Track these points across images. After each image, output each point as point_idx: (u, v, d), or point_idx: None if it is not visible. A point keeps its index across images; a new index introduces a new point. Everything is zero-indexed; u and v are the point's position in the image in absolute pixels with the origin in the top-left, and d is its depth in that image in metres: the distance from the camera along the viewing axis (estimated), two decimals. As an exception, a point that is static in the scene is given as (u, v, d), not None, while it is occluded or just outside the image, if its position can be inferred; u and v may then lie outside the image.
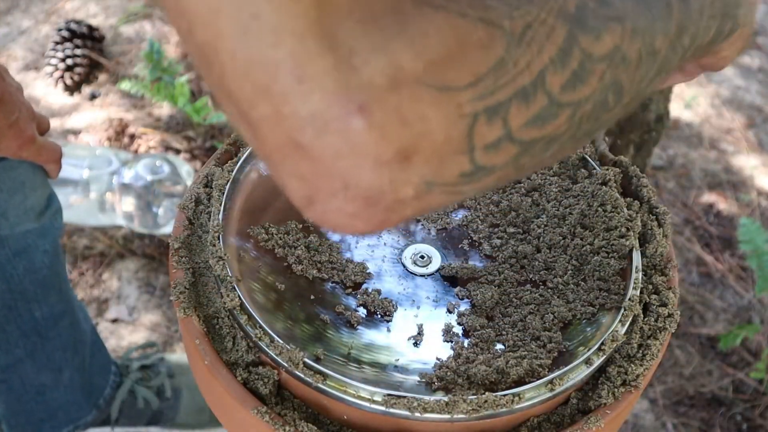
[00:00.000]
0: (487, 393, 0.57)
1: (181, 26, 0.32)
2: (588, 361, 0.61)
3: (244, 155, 0.72)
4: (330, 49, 0.31)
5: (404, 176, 0.33)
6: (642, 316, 0.65)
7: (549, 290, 0.67)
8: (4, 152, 0.89)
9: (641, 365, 0.62)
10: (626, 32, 0.38)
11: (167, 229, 1.57)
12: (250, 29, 0.31)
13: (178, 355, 1.35)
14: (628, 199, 0.73)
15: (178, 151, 1.73)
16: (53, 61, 1.83)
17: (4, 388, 1.10)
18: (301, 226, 0.69)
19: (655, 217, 0.71)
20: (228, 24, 0.31)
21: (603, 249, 0.68)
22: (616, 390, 0.61)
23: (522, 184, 0.74)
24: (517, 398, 0.57)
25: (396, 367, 0.61)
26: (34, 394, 1.13)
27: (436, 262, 0.69)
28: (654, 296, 0.67)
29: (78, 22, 1.90)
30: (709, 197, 1.79)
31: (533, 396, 0.58)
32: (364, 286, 0.66)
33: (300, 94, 0.31)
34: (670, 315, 0.65)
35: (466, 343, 0.63)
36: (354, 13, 0.31)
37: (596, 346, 0.61)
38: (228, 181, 0.69)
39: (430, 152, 0.33)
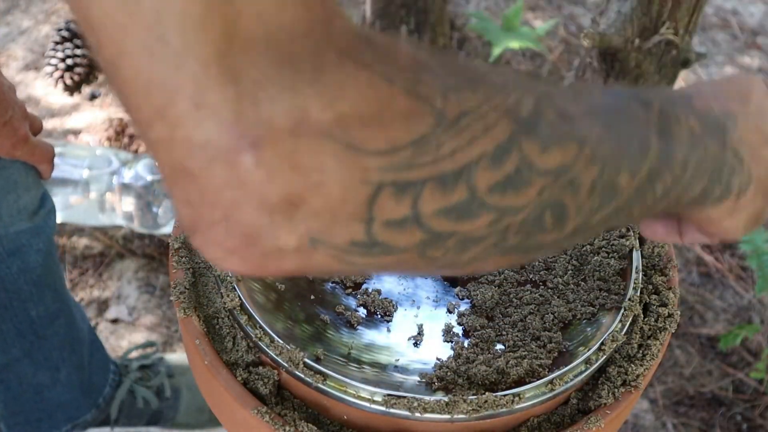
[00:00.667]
0: (487, 393, 0.57)
1: (90, 40, 0.32)
2: (588, 361, 0.61)
3: (244, 155, 0.72)
4: (234, 80, 0.30)
5: (288, 224, 0.32)
6: (642, 316, 0.65)
7: (549, 290, 0.67)
8: None
9: (641, 365, 0.62)
10: (583, 156, 0.36)
11: (167, 229, 1.57)
12: (154, 51, 0.30)
13: (177, 355, 1.35)
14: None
15: (178, 151, 1.73)
16: (53, 61, 1.83)
17: (2, 388, 1.10)
18: (301, 226, 0.69)
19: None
20: (133, 43, 0.30)
21: (603, 249, 0.68)
22: (616, 390, 0.61)
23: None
24: (517, 398, 0.57)
25: (396, 367, 0.61)
26: (32, 393, 1.13)
27: (436, 262, 0.69)
28: (654, 296, 0.67)
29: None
30: (709, 197, 1.79)
31: (533, 396, 0.58)
32: (364, 286, 0.66)
33: (195, 120, 0.30)
34: (670, 315, 0.65)
35: (466, 343, 0.63)
36: (269, 51, 0.30)
37: (596, 346, 0.61)
38: (228, 181, 0.69)
39: (320, 207, 0.32)
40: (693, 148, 0.43)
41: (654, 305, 0.66)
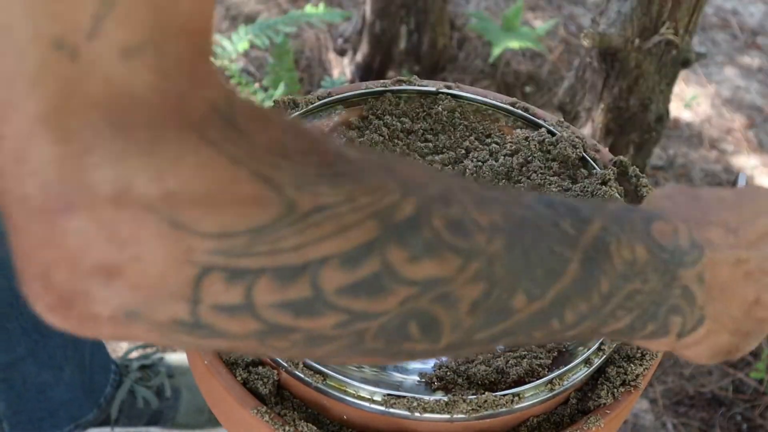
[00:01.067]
0: (486, 393, 0.57)
1: None
2: (588, 361, 0.61)
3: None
4: (61, 140, 0.29)
5: (102, 293, 0.31)
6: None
7: (549, 290, 0.66)
8: None
9: (641, 365, 0.62)
10: (465, 271, 0.34)
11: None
12: None
13: (177, 355, 1.35)
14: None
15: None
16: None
17: (6, 387, 1.10)
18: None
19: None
20: None
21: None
22: (615, 390, 0.61)
23: (522, 185, 0.74)
24: (516, 398, 0.57)
25: (396, 366, 0.61)
26: (35, 392, 1.13)
27: (436, 262, 0.69)
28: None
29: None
30: (709, 197, 1.79)
31: (533, 396, 0.58)
32: (364, 286, 0.66)
33: (16, 174, 0.29)
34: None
35: (465, 343, 0.63)
36: (107, 116, 0.29)
37: (596, 346, 0.61)
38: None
39: (138, 282, 0.30)
40: (626, 280, 0.40)
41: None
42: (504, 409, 0.57)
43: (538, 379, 0.59)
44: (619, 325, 0.41)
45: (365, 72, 1.79)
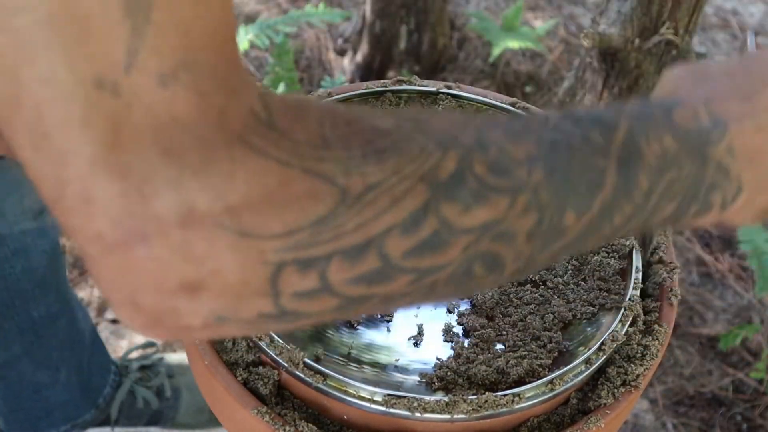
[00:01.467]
0: (487, 393, 0.57)
1: None
2: (588, 361, 0.61)
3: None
4: (120, 176, 0.30)
5: (190, 307, 0.33)
6: (642, 316, 0.65)
7: (549, 290, 0.66)
8: (1, 151, 0.89)
9: (641, 365, 0.62)
10: (515, 207, 0.36)
11: (167, 229, 1.57)
12: (40, 147, 0.31)
13: (178, 355, 1.35)
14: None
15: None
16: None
17: (2, 385, 1.10)
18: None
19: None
20: (21, 138, 0.31)
21: (603, 249, 0.68)
22: (616, 390, 0.61)
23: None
24: (517, 398, 0.57)
25: (396, 367, 0.61)
26: (31, 391, 1.13)
27: (436, 262, 0.69)
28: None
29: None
30: (709, 197, 1.79)
31: (533, 396, 0.58)
32: (364, 286, 0.66)
33: (85, 214, 0.31)
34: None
35: (466, 343, 0.63)
36: (157, 144, 0.30)
37: (596, 346, 0.61)
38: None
39: (221, 290, 0.32)
40: (662, 172, 0.42)
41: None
42: (504, 410, 0.57)
43: (538, 379, 0.59)
44: (665, 214, 0.44)
45: (365, 72, 1.79)
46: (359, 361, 0.61)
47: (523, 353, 0.61)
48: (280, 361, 0.58)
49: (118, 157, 0.30)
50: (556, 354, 0.62)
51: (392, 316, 0.64)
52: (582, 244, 0.41)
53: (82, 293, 1.51)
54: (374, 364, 0.61)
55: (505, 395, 0.57)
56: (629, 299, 0.64)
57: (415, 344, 0.63)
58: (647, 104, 0.46)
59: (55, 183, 0.31)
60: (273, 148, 0.32)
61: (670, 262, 0.69)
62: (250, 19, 1.88)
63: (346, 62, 1.84)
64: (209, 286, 0.32)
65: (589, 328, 0.64)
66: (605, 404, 0.60)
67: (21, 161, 0.32)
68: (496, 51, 1.74)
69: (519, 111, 0.79)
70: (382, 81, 0.79)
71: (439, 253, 0.35)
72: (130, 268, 0.32)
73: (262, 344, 0.59)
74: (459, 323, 0.64)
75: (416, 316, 0.65)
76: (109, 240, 0.31)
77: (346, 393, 0.57)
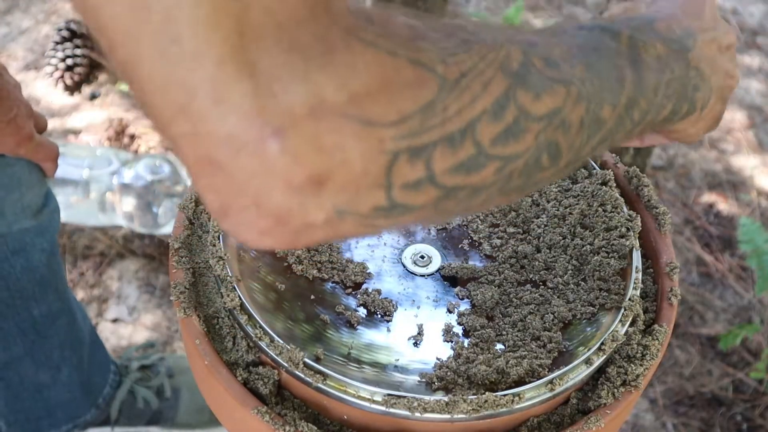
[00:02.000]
0: (487, 393, 0.57)
1: (102, 43, 0.33)
2: (588, 361, 0.61)
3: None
4: (249, 75, 0.31)
5: (316, 201, 0.34)
6: (642, 316, 0.65)
7: (549, 290, 0.67)
8: (1, 149, 0.89)
9: (641, 365, 0.62)
10: (570, 97, 0.39)
11: (167, 229, 1.57)
12: (168, 53, 0.31)
13: (178, 355, 1.35)
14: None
15: (178, 151, 1.73)
16: (53, 61, 1.83)
17: (3, 386, 1.10)
18: (301, 226, 0.69)
19: (655, 217, 0.72)
20: (147, 46, 0.31)
21: (603, 249, 0.68)
22: (615, 390, 0.61)
23: (522, 184, 0.74)
24: (517, 398, 0.57)
25: (396, 367, 0.61)
26: (32, 391, 1.13)
27: (436, 262, 0.69)
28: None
29: (78, 22, 1.90)
30: (709, 197, 1.79)
31: (533, 396, 0.58)
32: (364, 286, 0.66)
33: (217, 115, 0.32)
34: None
35: (466, 343, 0.63)
36: (280, 42, 0.32)
37: (596, 346, 0.61)
38: (228, 181, 0.69)
39: (344, 182, 0.34)
40: (661, 72, 0.46)
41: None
42: (504, 409, 0.57)
43: (538, 379, 0.59)
44: (665, 113, 0.48)
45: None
46: (359, 361, 0.61)
47: (523, 353, 0.61)
48: (280, 361, 0.58)
49: (246, 56, 0.31)
50: (556, 354, 0.62)
51: (392, 316, 0.64)
52: (612, 137, 0.44)
53: (82, 293, 1.51)
54: (374, 364, 0.61)
55: (505, 395, 0.57)
56: (629, 299, 0.64)
57: (415, 344, 0.63)
58: (631, 18, 0.50)
59: (184, 89, 0.32)
60: (380, 40, 0.34)
61: (670, 262, 0.69)
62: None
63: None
64: (335, 177, 0.33)
65: (589, 328, 0.64)
66: (605, 404, 0.60)
67: (136, 83, 0.33)
68: (496, 51, 1.74)
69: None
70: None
71: (519, 140, 0.37)
72: (261, 166, 0.32)
73: (262, 344, 0.60)
74: (459, 323, 0.64)
75: (416, 316, 0.65)
76: (241, 139, 0.32)
77: (345, 393, 0.58)
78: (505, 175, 0.38)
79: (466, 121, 0.36)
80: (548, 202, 0.73)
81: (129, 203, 1.55)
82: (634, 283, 0.65)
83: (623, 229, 0.69)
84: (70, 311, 1.11)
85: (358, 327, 0.63)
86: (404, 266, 0.68)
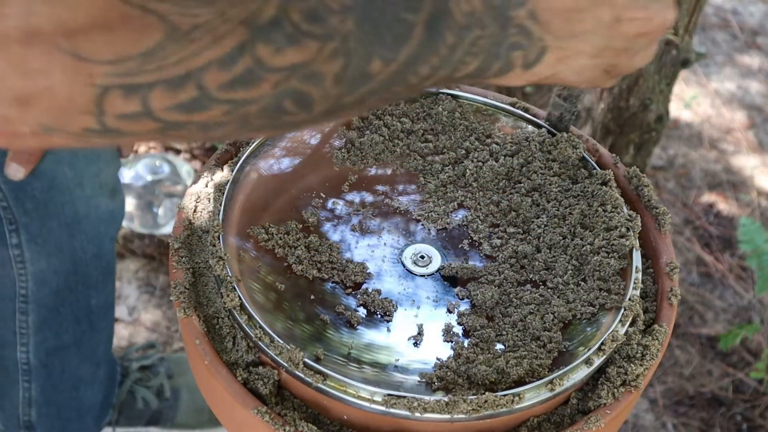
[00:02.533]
0: (487, 393, 0.57)
1: None
2: (588, 361, 0.61)
3: (244, 155, 0.72)
4: None
5: (20, 117, 0.37)
6: (642, 316, 0.65)
7: (549, 290, 0.67)
8: None
9: (641, 365, 0.62)
10: (324, 51, 0.41)
11: (167, 229, 1.57)
12: None
13: (177, 356, 1.35)
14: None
15: (178, 151, 1.73)
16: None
17: (45, 373, 1.09)
18: (301, 226, 0.69)
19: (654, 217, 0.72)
20: None
21: (603, 249, 0.68)
22: (616, 390, 0.61)
23: (522, 185, 0.74)
24: (517, 398, 0.57)
25: (396, 367, 0.61)
26: (70, 387, 1.12)
27: (436, 262, 0.69)
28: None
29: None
30: (709, 197, 1.79)
31: (533, 396, 0.58)
32: (364, 286, 0.66)
33: None
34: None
35: (466, 343, 0.63)
36: None
37: (596, 346, 0.61)
38: (228, 181, 0.70)
39: (49, 105, 0.37)
40: (468, 30, 0.46)
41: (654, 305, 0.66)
42: (504, 410, 0.57)
43: (538, 379, 0.59)
44: (469, 70, 0.48)
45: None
46: (359, 361, 0.61)
47: (523, 353, 0.61)
48: (280, 361, 0.58)
49: None
50: (556, 354, 0.62)
51: (392, 316, 0.64)
52: (386, 90, 0.45)
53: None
54: (374, 364, 0.61)
55: (505, 395, 0.57)
56: (629, 299, 0.64)
57: (415, 344, 0.63)
58: None
59: None
60: None
61: (670, 262, 0.69)
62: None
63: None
64: (38, 100, 0.37)
65: (589, 328, 0.64)
66: (605, 404, 0.60)
67: None
68: (496, 51, 1.74)
69: (519, 111, 0.79)
70: (382, 81, 0.79)
71: (251, 88, 0.40)
72: None
73: (262, 344, 0.60)
74: (459, 323, 0.64)
75: (416, 316, 0.65)
76: None
77: (346, 393, 0.58)
78: (240, 115, 0.41)
79: (187, 69, 0.38)
80: (548, 202, 0.73)
81: (129, 203, 1.55)
82: (634, 283, 0.65)
83: (623, 229, 0.69)
84: (114, 306, 1.12)
85: (358, 327, 0.63)
86: (404, 266, 0.68)
